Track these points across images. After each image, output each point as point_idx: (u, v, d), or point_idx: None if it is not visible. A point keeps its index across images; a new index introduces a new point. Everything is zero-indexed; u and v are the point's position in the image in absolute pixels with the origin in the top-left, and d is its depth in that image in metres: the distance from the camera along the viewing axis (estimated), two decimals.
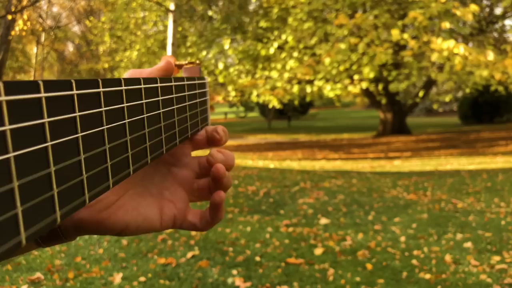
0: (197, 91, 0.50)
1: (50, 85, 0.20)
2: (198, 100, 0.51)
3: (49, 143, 0.20)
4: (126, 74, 0.44)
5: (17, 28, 8.54)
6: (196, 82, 0.50)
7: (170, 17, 8.16)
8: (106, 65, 16.11)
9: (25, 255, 3.43)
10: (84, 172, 0.23)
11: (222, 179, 0.45)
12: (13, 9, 8.53)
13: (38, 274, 3.03)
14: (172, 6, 8.21)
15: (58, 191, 0.21)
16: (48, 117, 0.20)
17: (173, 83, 0.41)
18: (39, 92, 0.20)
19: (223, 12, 11.75)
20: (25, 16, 8.34)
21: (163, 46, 11.96)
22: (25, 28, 8.46)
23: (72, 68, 26.40)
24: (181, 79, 0.45)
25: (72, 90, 0.23)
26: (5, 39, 9.56)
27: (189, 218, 0.46)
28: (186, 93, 0.46)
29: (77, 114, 0.23)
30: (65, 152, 0.22)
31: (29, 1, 8.45)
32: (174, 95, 0.41)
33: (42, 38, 16.38)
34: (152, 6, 11.39)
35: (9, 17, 8.54)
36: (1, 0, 10.26)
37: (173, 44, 8.10)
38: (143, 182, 0.45)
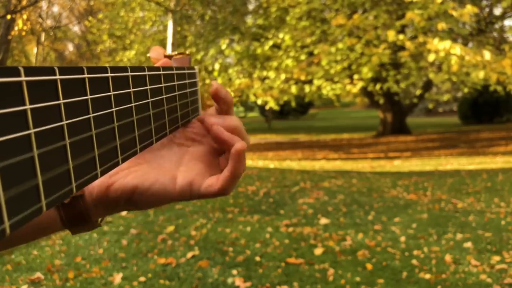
0: (187, 81, 0.50)
1: (31, 71, 0.20)
2: (188, 90, 0.50)
3: (32, 130, 0.19)
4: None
5: (16, 28, 8.53)
6: (186, 72, 0.50)
7: (170, 17, 8.15)
8: (106, 65, 16.12)
9: (25, 255, 3.43)
10: (70, 161, 0.22)
11: (220, 136, 0.42)
12: (12, 8, 8.52)
13: (38, 274, 3.03)
14: (172, 6, 8.21)
15: (43, 179, 0.20)
16: (31, 103, 0.19)
17: (161, 72, 0.40)
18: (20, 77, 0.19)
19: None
20: (24, 16, 8.32)
21: (162, 46, 11.93)
22: (25, 28, 8.45)
23: None
24: (170, 68, 0.44)
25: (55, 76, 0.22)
26: (5, 39, 9.56)
27: (206, 181, 0.42)
28: (176, 83, 0.45)
29: (62, 101, 0.22)
30: (49, 139, 0.21)
31: (29, 1, 8.44)
32: (163, 84, 0.40)
33: (42, 38, 16.37)
34: (152, 6, 11.38)
35: (9, 17, 8.53)
36: (1, 0, 10.26)
37: (173, 44, 8.10)
38: (157, 160, 0.45)
